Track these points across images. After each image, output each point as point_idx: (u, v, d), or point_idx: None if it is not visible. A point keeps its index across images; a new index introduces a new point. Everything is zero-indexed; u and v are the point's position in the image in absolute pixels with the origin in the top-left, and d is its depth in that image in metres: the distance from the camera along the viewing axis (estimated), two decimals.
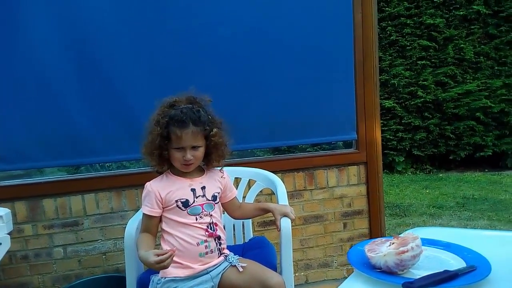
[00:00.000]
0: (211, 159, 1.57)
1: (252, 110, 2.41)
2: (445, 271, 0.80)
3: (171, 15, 2.27)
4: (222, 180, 1.63)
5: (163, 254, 1.32)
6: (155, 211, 1.51)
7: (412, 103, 6.02)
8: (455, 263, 0.89)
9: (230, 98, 2.30)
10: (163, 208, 1.52)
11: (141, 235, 1.52)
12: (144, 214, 1.53)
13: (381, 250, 0.86)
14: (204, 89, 2.23)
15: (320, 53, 2.47)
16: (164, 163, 1.52)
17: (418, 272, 0.82)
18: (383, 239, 0.94)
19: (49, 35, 2.16)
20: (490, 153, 6.04)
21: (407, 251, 0.82)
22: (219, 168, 1.63)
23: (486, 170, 6.08)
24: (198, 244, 1.48)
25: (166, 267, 1.34)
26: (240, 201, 1.97)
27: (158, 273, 1.50)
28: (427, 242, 0.99)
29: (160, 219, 1.54)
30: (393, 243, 0.87)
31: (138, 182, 2.31)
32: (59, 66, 2.18)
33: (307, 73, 2.46)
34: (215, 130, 1.52)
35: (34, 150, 2.20)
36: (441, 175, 6.05)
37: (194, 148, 1.48)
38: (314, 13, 2.43)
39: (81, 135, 2.23)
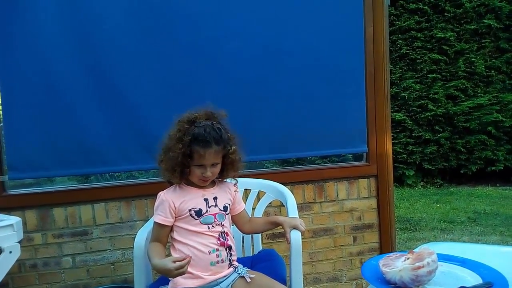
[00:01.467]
0: (225, 174, 1.61)
1: (261, 122, 2.41)
2: None
3: (183, 29, 2.29)
4: (232, 191, 1.65)
5: (180, 261, 1.32)
6: (168, 220, 1.51)
7: (422, 116, 6.00)
8: (472, 279, 0.87)
9: (240, 110, 2.30)
10: (175, 217, 1.52)
11: (151, 245, 1.52)
12: (156, 223, 1.52)
13: (396, 265, 0.85)
14: (215, 101, 2.24)
15: (331, 66, 2.47)
16: (183, 177, 1.55)
17: None
18: (398, 253, 0.93)
19: (62, 47, 2.19)
20: (502, 168, 5.98)
21: (423, 266, 0.81)
22: (233, 182, 1.67)
23: (498, 184, 6.02)
24: (210, 252, 1.48)
25: (184, 273, 1.34)
26: (250, 212, 1.96)
27: (168, 283, 1.50)
28: (443, 257, 0.97)
29: (171, 228, 1.54)
30: (408, 258, 0.86)
31: (147, 192, 2.32)
32: (71, 77, 2.21)
33: (317, 86, 2.46)
34: (233, 148, 1.56)
35: (45, 159, 2.22)
36: (452, 189, 5.99)
37: (213, 165, 1.52)
38: (325, 27, 2.44)
39: (92, 144, 2.25)
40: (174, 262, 1.32)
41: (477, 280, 0.87)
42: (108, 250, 2.36)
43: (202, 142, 1.47)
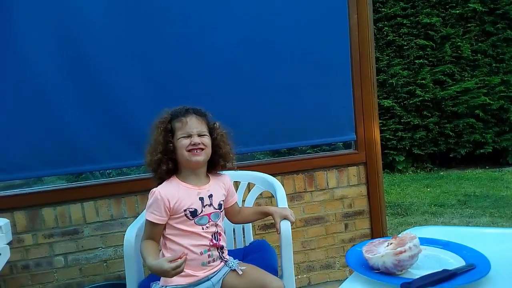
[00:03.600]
0: (217, 158, 1.56)
1: (250, 114, 2.41)
2: (444, 270, 0.79)
3: (168, 23, 2.27)
4: (226, 184, 1.63)
5: (176, 260, 1.30)
6: (163, 219, 1.46)
7: (411, 102, 6.02)
8: (454, 262, 0.88)
9: (227, 103, 2.32)
10: (170, 216, 1.48)
11: (145, 243, 1.47)
12: (149, 221, 1.47)
13: (379, 251, 0.86)
14: (202, 94, 2.26)
15: (317, 55, 2.47)
16: (168, 161, 1.48)
17: (417, 272, 0.82)
18: (381, 239, 0.93)
19: (45, 45, 2.16)
20: (490, 150, 6.03)
21: (405, 251, 0.81)
22: (232, 172, 1.65)
23: (487, 167, 6.07)
24: (201, 253, 1.47)
25: (181, 272, 1.32)
26: (240, 204, 1.96)
27: (159, 280, 1.49)
28: (426, 241, 0.98)
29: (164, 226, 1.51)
30: (391, 244, 0.87)
31: (137, 189, 2.32)
32: (55, 76, 2.18)
33: (304, 76, 2.47)
34: (218, 122, 1.55)
35: (32, 160, 2.20)
36: (442, 173, 6.04)
37: (200, 136, 1.48)
38: (309, 16, 2.43)
39: (78, 143, 2.23)
40: (170, 262, 1.30)
41: (460, 262, 0.88)
42: (100, 248, 2.36)
43: (181, 113, 1.48)
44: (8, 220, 1.78)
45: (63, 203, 2.29)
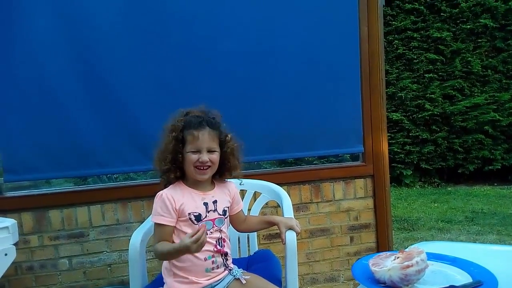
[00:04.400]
0: (224, 170, 1.56)
1: (257, 123, 2.42)
2: (451, 287, 0.79)
3: (176, 29, 2.30)
4: (231, 191, 1.62)
5: (195, 234, 1.30)
6: (172, 221, 1.46)
7: (419, 116, 6.00)
8: (462, 278, 0.88)
9: (234, 110, 2.31)
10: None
11: (161, 243, 1.45)
12: (158, 224, 1.46)
13: (386, 265, 0.85)
14: (209, 101, 2.24)
15: (326, 66, 2.48)
16: (177, 170, 1.49)
17: (423, 287, 0.81)
18: (388, 253, 0.93)
19: (55, 48, 2.19)
20: (499, 167, 5.99)
21: (412, 265, 0.81)
22: (237, 181, 1.65)
23: (495, 184, 6.03)
24: (205, 259, 1.47)
25: (203, 244, 1.31)
26: (246, 213, 1.96)
27: (163, 286, 1.49)
28: (434, 256, 0.98)
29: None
30: (398, 258, 0.86)
31: (144, 194, 2.33)
32: (65, 79, 2.21)
33: (313, 86, 2.47)
34: (230, 135, 1.54)
35: (40, 162, 2.22)
36: (449, 188, 6.00)
37: (210, 152, 1.47)
38: (320, 27, 2.45)
39: (86, 147, 2.25)
40: (191, 236, 1.30)
41: (467, 279, 0.87)
42: (105, 252, 2.36)
43: (195, 125, 1.46)
44: (15, 221, 1.79)
45: (70, 206, 2.31)
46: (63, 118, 2.22)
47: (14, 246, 1.73)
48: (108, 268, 2.37)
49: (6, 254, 1.68)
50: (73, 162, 2.25)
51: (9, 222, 1.75)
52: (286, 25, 2.41)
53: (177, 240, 1.47)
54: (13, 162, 2.20)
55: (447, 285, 0.80)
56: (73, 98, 2.23)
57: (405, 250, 0.89)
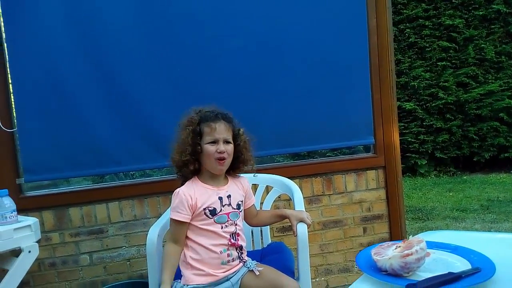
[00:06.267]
0: (238, 163, 1.62)
1: (268, 117, 2.45)
2: (449, 273, 0.82)
3: (186, 30, 2.34)
4: (245, 186, 1.68)
5: None
6: (187, 217, 1.52)
7: (433, 105, 5.96)
8: (461, 265, 0.91)
9: (245, 106, 2.36)
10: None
11: (168, 249, 1.54)
12: (175, 221, 1.52)
13: (387, 254, 0.89)
14: (221, 98, 2.28)
15: (336, 59, 2.49)
16: (195, 162, 1.55)
17: (424, 275, 0.84)
18: (390, 243, 0.97)
19: (71, 52, 2.25)
20: None
21: (412, 254, 0.84)
22: (251, 175, 1.72)
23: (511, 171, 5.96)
24: (221, 252, 1.52)
25: None
26: (258, 207, 2.01)
27: (180, 279, 1.54)
28: (436, 245, 1.01)
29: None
30: (399, 247, 0.90)
31: (160, 190, 2.39)
32: (81, 82, 2.27)
33: (322, 79, 2.49)
34: (242, 129, 1.61)
35: (59, 161, 2.29)
36: (465, 177, 5.95)
37: (226, 143, 1.54)
38: (328, 20, 2.46)
39: (103, 146, 2.31)
40: None
41: (467, 266, 0.90)
42: (124, 247, 2.44)
43: (211, 118, 1.54)
44: (37, 219, 1.86)
45: (89, 203, 2.38)
46: (80, 119, 2.28)
47: (36, 244, 1.79)
48: (128, 263, 2.45)
49: (29, 251, 1.75)
50: (90, 161, 2.32)
51: (31, 220, 1.81)
52: (293, 20, 2.43)
53: (191, 235, 1.53)
54: (33, 162, 2.27)
55: (446, 272, 0.83)
56: (89, 100, 2.29)
57: (408, 239, 0.93)
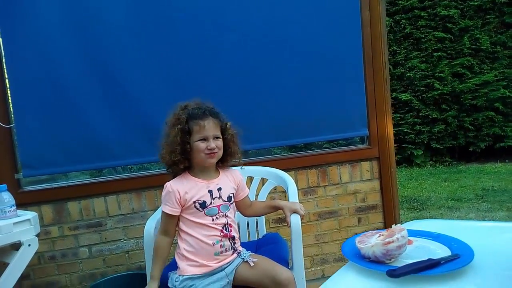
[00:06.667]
0: (226, 155, 1.65)
1: (264, 110, 2.48)
2: (429, 259, 0.86)
3: (182, 25, 2.36)
4: (236, 179, 1.71)
5: None
6: (175, 210, 1.56)
7: (429, 95, 5.99)
8: (442, 252, 0.95)
9: (243, 101, 2.40)
10: (182, 207, 1.58)
11: (159, 241, 1.59)
12: (164, 213, 1.58)
13: (370, 242, 0.93)
14: (219, 92, 2.34)
15: (330, 52, 2.52)
16: (186, 160, 1.58)
17: (406, 261, 0.88)
18: (374, 231, 1.01)
19: (69, 47, 2.28)
20: (511, 144, 5.97)
21: (393, 241, 0.88)
22: (239, 168, 1.73)
23: (507, 160, 6.01)
24: (213, 244, 1.55)
25: None
26: (254, 198, 2.04)
27: (176, 269, 1.58)
28: (419, 233, 1.05)
29: (178, 218, 1.61)
30: (382, 235, 0.94)
31: (156, 183, 2.42)
32: (79, 78, 2.30)
33: (317, 72, 2.52)
34: (229, 123, 1.64)
35: (57, 156, 2.32)
36: (461, 167, 6.00)
37: (215, 138, 1.57)
38: (322, 13, 2.48)
39: (101, 140, 2.35)
40: None
41: (447, 252, 0.94)
42: (122, 240, 2.48)
43: (199, 115, 1.56)
44: (36, 213, 1.88)
45: (87, 197, 2.41)
46: (78, 114, 2.31)
47: (36, 237, 1.81)
48: (126, 255, 2.49)
49: (29, 245, 1.77)
50: (88, 155, 2.35)
51: (30, 214, 1.84)
52: (289, 13, 2.45)
53: (184, 228, 1.57)
54: (31, 157, 2.30)
55: (426, 258, 0.87)
56: (87, 95, 2.32)
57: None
